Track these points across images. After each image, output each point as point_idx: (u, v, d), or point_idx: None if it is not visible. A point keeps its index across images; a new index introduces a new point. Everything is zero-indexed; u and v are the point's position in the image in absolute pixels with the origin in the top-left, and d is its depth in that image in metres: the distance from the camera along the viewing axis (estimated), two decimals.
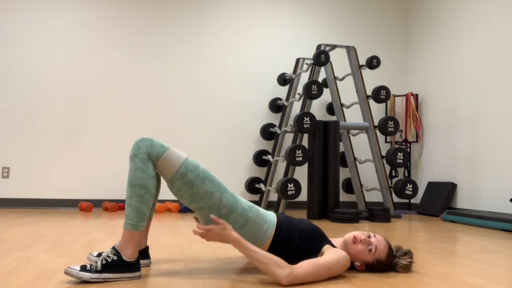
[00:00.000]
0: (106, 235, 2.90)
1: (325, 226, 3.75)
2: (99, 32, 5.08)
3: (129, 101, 5.10)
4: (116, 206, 4.65)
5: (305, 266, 1.72)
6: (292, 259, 1.83)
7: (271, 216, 1.94)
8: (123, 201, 4.93)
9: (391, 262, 1.95)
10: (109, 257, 1.71)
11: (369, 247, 1.88)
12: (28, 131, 4.82)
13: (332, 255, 1.80)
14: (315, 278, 1.74)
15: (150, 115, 5.14)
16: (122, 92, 5.09)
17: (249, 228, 1.86)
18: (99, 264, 1.68)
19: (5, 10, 4.86)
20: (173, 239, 2.83)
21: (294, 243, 1.87)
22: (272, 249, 1.89)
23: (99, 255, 2.02)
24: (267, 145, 5.45)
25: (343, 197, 5.50)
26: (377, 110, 5.81)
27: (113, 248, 1.76)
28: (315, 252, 1.88)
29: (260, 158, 5.23)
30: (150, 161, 1.80)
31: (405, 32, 6.02)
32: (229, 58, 5.42)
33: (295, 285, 1.69)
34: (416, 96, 5.60)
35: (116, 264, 1.71)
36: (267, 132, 5.30)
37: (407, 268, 1.97)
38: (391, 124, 4.69)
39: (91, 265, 1.69)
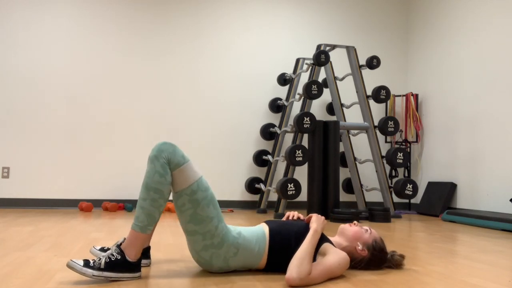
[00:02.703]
0: (106, 235, 2.90)
1: None
2: (99, 32, 5.08)
3: (129, 101, 5.10)
4: (116, 206, 4.65)
5: (314, 272, 1.74)
6: None
7: (259, 232, 1.91)
8: (123, 201, 4.93)
9: (386, 251, 2.03)
10: (113, 255, 1.71)
11: (365, 228, 2.01)
12: (28, 131, 4.83)
13: (334, 257, 1.81)
14: (318, 282, 1.77)
15: (150, 115, 5.14)
16: (122, 92, 5.09)
17: (241, 254, 1.86)
18: (102, 262, 1.68)
19: (5, 10, 4.87)
20: (173, 239, 2.83)
21: (291, 246, 1.87)
22: (271, 260, 1.89)
23: (102, 249, 2.04)
24: (267, 145, 5.45)
25: (343, 197, 5.50)
26: (377, 110, 5.81)
27: (118, 246, 1.75)
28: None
29: (260, 158, 5.23)
30: (169, 167, 1.78)
31: (405, 32, 6.03)
32: (229, 58, 5.42)
33: (296, 286, 1.70)
34: (416, 96, 5.60)
35: (119, 264, 1.71)
36: (267, 132, 5.30)
37: (399, 261, 2.05)
38: (391, 124, 4.69)
39: (94, 261, 1.69)
